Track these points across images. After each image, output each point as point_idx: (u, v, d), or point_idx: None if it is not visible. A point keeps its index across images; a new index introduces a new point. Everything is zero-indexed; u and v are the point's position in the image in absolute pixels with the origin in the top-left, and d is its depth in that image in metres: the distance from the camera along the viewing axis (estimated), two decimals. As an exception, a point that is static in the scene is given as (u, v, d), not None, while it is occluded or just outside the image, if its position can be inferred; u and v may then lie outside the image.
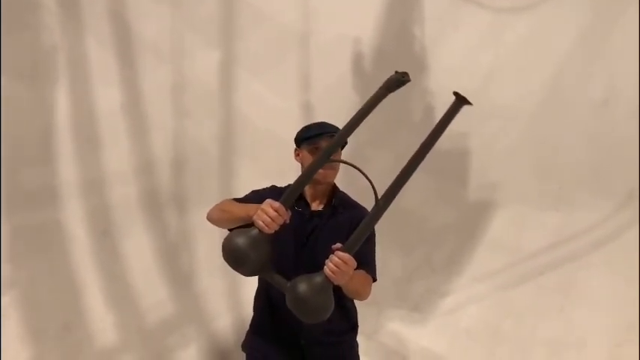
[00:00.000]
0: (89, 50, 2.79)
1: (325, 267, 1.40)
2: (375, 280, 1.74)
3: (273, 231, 1.43)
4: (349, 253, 1.40)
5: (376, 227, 1.53)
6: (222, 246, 1.46)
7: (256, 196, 1.73)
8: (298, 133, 1.81)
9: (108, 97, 2.81)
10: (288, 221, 1.45)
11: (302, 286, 1.40)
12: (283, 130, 2.06)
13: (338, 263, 1.38)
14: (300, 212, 1.73)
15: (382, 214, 1.39)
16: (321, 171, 1.68)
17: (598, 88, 2.97)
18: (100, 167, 2.82)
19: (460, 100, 1.27)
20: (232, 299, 2.87)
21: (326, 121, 1.82)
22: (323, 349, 1.79)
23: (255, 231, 1.43)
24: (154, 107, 2.88)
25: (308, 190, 1.77)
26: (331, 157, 1.48)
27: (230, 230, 1.57)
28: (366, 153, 2.81)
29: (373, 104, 1.36)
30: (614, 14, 2.94)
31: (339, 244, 1.43)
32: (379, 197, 1.38)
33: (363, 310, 1.90)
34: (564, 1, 2.93)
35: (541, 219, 3.00)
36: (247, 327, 1.93)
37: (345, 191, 1.87)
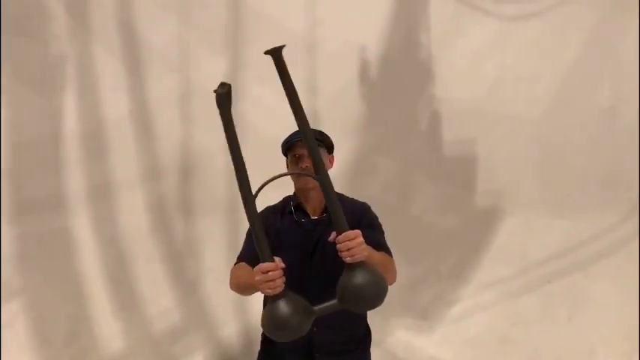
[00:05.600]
0: (97, 58, 2.82)
1: (343, 258, 1.38)
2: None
3: (282, 287, 1.38)
4: (344, 231, 1.38)
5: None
6: (266, 332, 1.42)
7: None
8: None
9: (115, 105, 2.84)
10: (284, 265, 1.40)
11: (349, 287, 1.37)
12: (290, 138, 2.06)
13: (346, 244, 1.37)
14: (302, 223, 1.74)
15: (329, 180, 1.40)
16: (300, 179, 1.71)
17: (604, 95, 2.97)
18: (108, 174, 2.84)
19: (275, 55, 1.29)
20: (239, 307, 2.85)
21: (332, 128, 1.82)
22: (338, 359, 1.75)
23: (274, 303, 1.38)
24: (161, 115, 2.90)
25: (305, 201, 1.77)
26: (318, 161, 1.47)
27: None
28: (372, 159, 2.81)
29: (232, 125, 1.39)
30: (620, 22, 2.94)
31: (333, 234, 1.41)
32: (315, 173, 1.41)
33: (369, 317, 1.89)
34: (571, 9, 2.94)
35: (548, 226, 2.98)
36: (253, 335, 1.93)
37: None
